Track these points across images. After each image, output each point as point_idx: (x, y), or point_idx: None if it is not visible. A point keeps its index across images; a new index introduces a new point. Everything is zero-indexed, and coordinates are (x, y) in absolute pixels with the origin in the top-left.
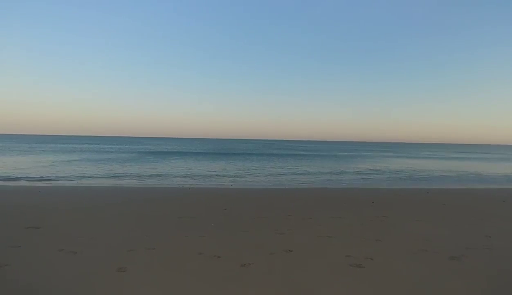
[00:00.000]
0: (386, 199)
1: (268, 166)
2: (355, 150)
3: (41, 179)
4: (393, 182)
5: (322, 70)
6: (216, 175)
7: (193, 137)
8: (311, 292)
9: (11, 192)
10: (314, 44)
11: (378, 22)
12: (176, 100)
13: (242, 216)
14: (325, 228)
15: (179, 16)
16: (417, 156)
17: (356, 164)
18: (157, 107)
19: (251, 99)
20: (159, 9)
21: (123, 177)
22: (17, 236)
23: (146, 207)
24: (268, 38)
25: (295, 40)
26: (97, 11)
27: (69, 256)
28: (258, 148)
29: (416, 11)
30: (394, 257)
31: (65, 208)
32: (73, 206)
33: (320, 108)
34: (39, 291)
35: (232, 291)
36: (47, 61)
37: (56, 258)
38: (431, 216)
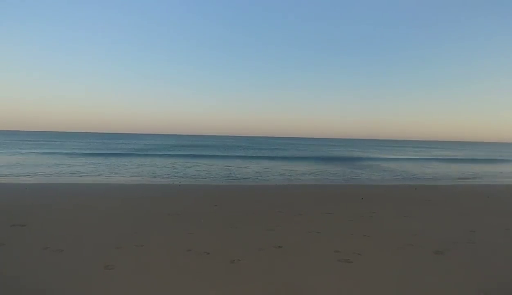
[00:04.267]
0: (375, 195)
1: (260, 164)
2: (347, 146)
3: (28, 176)
4: (383, 179)
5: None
6: (207, 172)
7: (189, 135)
8: (300, 287)
9: None
10: (309, 36)
11: (375, 13)
12: (169, 97)
13: (232, 213)
14: (315, 224)
15: (172, 9)
16: (408, 153)
17: (348, 161)
18: (148, 104)
19: (243, 96)
20: (153, 4)
21: (112, 173)
22: (1, 234)
23: (135, 204)
24: (256, 33)
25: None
26: (93, 7)
27: (55, 254)
28: (249, 145)
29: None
30: (382, 252)
31: (51, 206)
32: (60, 203)
33: (311, 105)
34: (23, 290)
35: (221, 287)
36: (40, 58)
37: (41, 256)
38: (418, 212)
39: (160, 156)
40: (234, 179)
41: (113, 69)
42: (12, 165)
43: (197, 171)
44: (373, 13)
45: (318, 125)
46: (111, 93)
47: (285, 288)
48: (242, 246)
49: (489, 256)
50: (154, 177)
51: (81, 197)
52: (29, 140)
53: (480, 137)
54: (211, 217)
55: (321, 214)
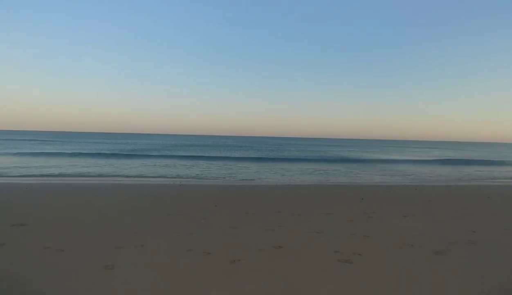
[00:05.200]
0: (375, 196)
1: (260, 164)
2: (347, 147)
3: (28, 175)
4: (383, 179)
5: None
6: (208, 172)
7: (189, 135)
8: (300, 288)
9: None
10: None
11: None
12: (168, 96)
13: (233, 213)
14: (314, 224)
15: (171, 8)
16: (408, 154)
17: (348, 162)
18: (147, 103)
19: (243, 96)
20: (152, 3)
21: (112, 173)
22: (1, 233)
23: (135, 203)
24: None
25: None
26: (94, 6)
27: (55, 253)
28: (249, 145)
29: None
30: (382, 252)
31: (52, 205)
32: (61, 203)
33: (310, 106)
34: (23, 290)
35: (221, 288)
36: (39, 57)
37: (42, 256)
38: (418, 212)
39: (161, 155)
40: (234, 179)
41: (112, 68)
42: (13, 164)
43: (198, 170)
44: (374, 12)
45: (317, 126)
46: (110, 92)
47: (285, 288)
48: (243, 246)
49: (489, 257)
50: (155, 176)
51: (82, 197)
52: (29, 140)
53: (481, 138)
54: (211, 217)
55: (321, 214)
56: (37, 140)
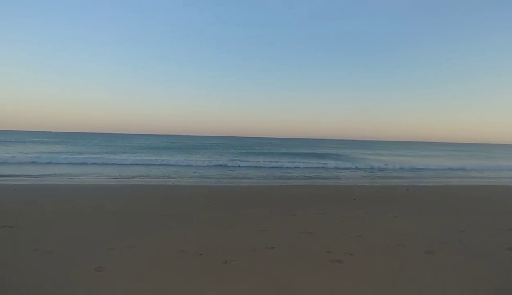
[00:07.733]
0: (367, 196)
1: (254, 164)
2: (341, 147)
3: (17, 176)
4: (375, 179)
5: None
6: (201, 173)
7: (183, 135)
8: (292, 287)
9: None
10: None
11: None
12: (166, 96)
13: (225, 213)
14: (307, 224)
15: (170, 6)
16: (401, 154)
17: (341, 162)
18: (143, 103)
19: (239, 96)
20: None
21: (104, 174)
22: None
23: (127, 204)
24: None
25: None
26: (94, 5)
27: (44, 255)
28: (242, 145)
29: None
30: (373, 252)
31: (42, 206)
32: (50, 204)
33: (309, 105)
34: (12, 292)
35: (214, 288)
36: (38, 57)
37: (30, 258)
38: (410, 212)
39: (153, 156)
40: (227, 180)
41: (112, 68)
42: (2, 165)
43: (191, 171)
44: (374, 9)
45: (314, 126)
46: (107, 92)
47: (277, 288)
48: (235, 246)
49: (478, 256)
50: (147, 177)
51: (72, 198)
52: (22, 142)
53: (480, 139)
54: (204, 217)
55: (313, 215)
56: (26, 141)
